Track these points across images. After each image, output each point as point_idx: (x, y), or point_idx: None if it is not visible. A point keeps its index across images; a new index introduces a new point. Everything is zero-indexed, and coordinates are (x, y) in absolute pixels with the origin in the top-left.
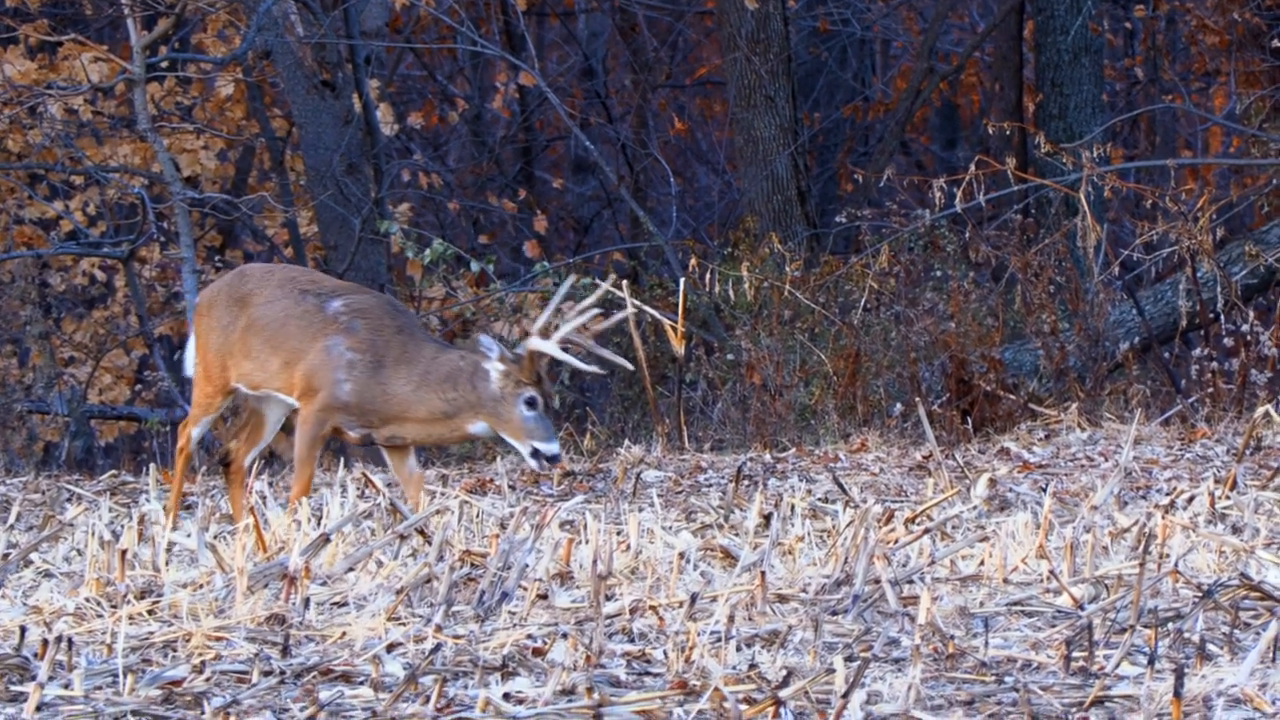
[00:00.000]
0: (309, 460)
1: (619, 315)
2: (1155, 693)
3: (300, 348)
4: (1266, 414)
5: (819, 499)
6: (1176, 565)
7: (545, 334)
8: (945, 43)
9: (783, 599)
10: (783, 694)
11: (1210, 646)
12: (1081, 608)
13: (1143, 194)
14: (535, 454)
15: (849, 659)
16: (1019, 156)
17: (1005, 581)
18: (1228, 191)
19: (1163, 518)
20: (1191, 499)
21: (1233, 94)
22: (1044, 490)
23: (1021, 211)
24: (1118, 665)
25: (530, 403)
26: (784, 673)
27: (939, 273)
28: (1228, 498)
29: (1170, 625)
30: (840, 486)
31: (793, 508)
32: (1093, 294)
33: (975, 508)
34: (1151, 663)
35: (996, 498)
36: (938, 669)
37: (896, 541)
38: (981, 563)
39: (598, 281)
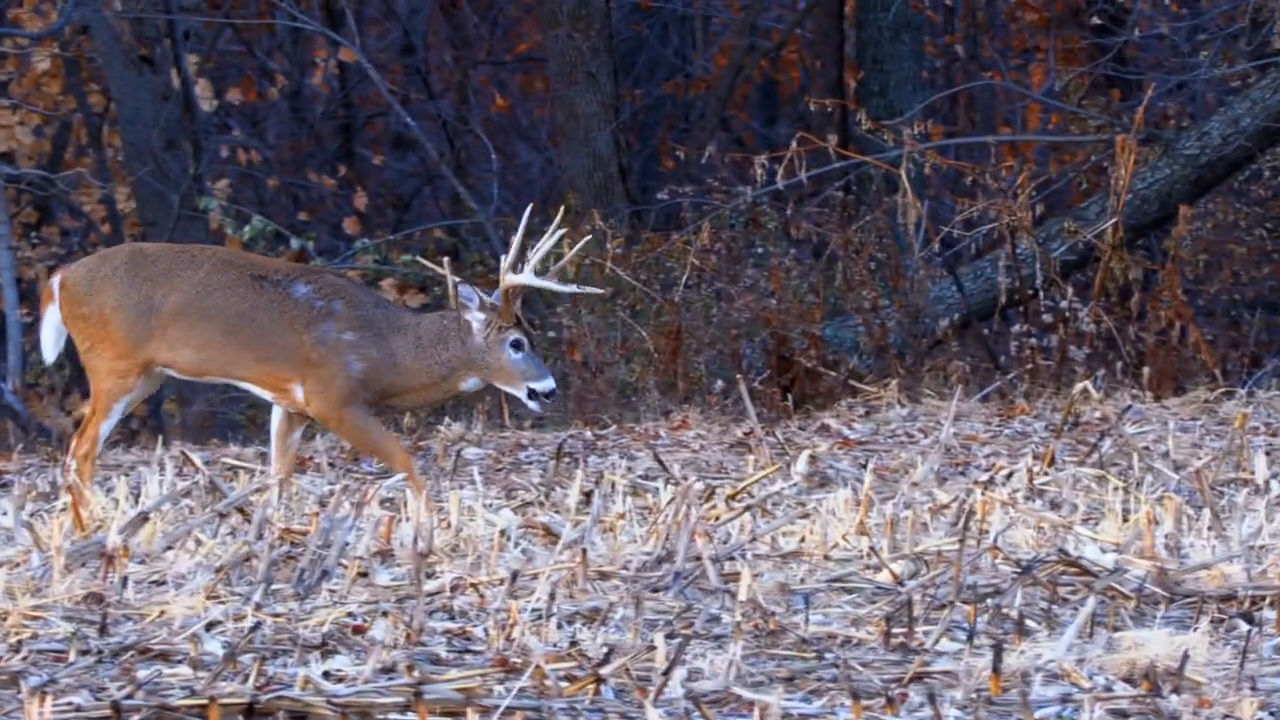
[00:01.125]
0: (386, 443)
1: (581, 242)
2: (974, 668)
3: (286, 343)
4: (1085, 390)
5: (640, 476)
6: (996, 541)
7: (516, 269)
8: (766, 19)
9: (604, 576)
10: (603, 671)
11: (1029, 622)
12: (902, 584)
13: (963, 171)
14: (532, 394)
15: (670, 636)
16: (840, 133)
17: (826, 558)
18: (1047, 168)
19: (982, 494)
20: (1011, 475)
21: (1052, 71)
22: (864, 467)
23: (843, 188)
24: (937, 641)
25: (516, 345)
26: (605, 650)
27: (760, 249)
28: (1046, 474)
29: (989, 601)
30: (661, 464)
31: (614, 485)
32: (913, 270)
33: (796, 484)
34: (971, 638)
35: (817, 474)
36: (759, 646)
37: (718, 518)
38: (802, 539)
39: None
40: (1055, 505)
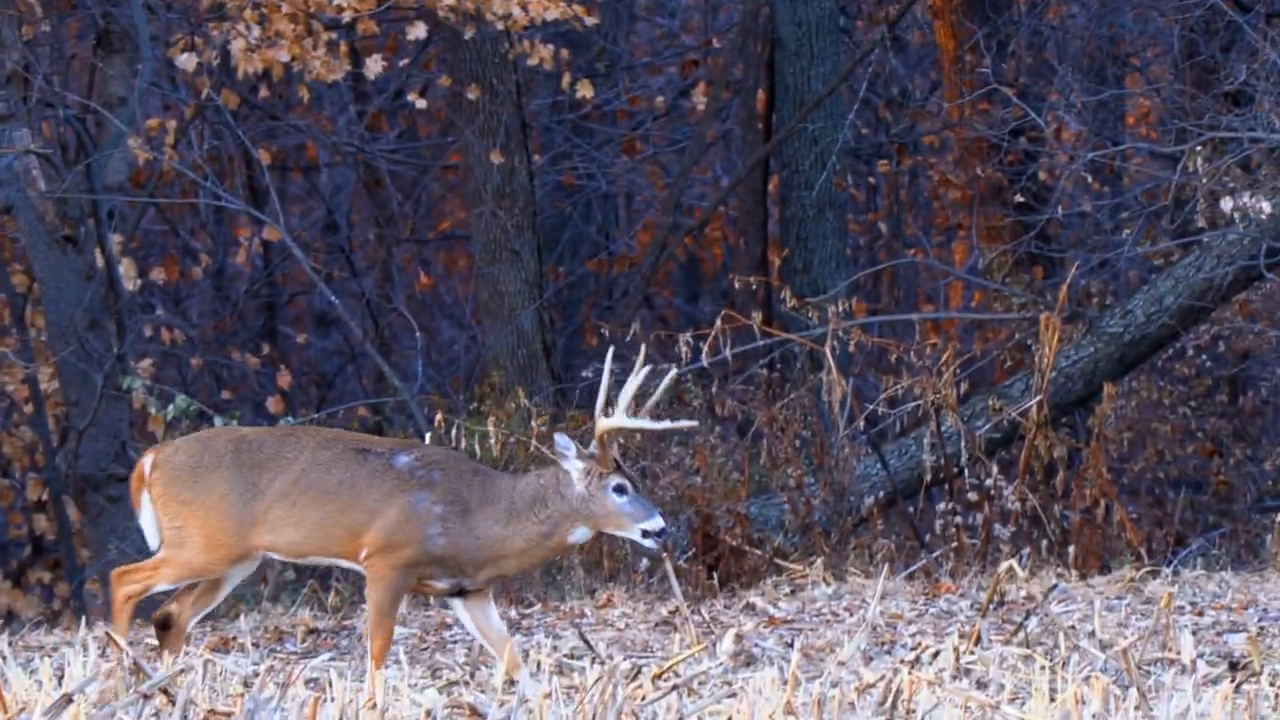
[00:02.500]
0: (390, 620)
1: (668, 378)
2: None
3: (375, 508)
4: (1010, 568)
5: (565, 655)
6: None
7: (607, 412)
8: (689, 196)
9: None
10: None
11: None
12: None
13: (887, 348)
14: (645, 534)
15: None
16: (764, 311)
17: None
18: (970, 345)
19: (909, 673)
20: (937, 654)
21: (975, 248)
22: (790, 645)
23: (767, 366)
24: None
25: (619, 489)
26: None
27: None
28: (972, 653)
29: None
30: (586, 642)
31: (539, 664)
32: (838, 448)
33: (722, 664)
34: None
35: (743, 653)
36: None
37: (644, 698)
38: (729, 719)
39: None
40: (982, 684)
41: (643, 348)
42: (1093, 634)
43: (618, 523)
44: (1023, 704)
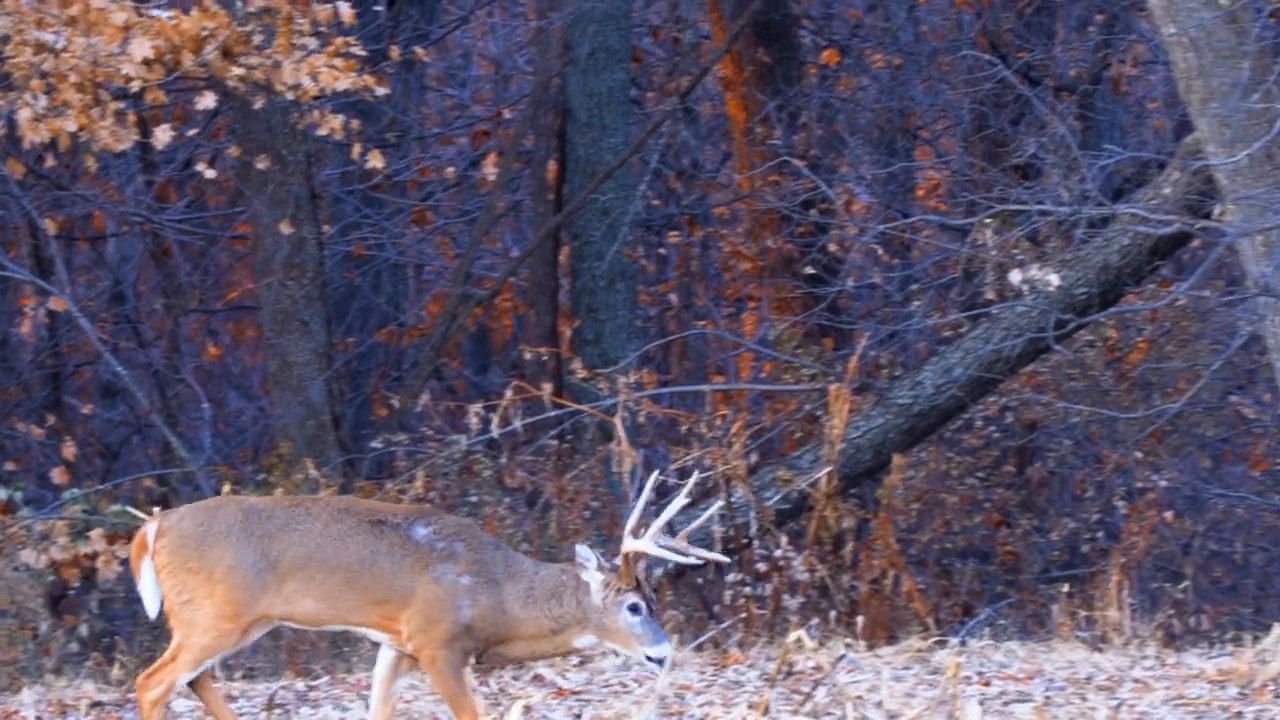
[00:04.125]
0: (464, 692)
1: (708, 511)
2: None
3: (403, 585)
4: (798, 639)
5: None
6: None
7: (637, 534)
8: (479, 267)
9: None
10: None
11: None
12: None
13: (677, 419)
14: (649, 659)
15: None
16: (555, 382)
17: None
18: (760, 417)
19: None
20: None
21: (765, 320)
22: (579, 717)
23: (557, 437)
24: None
25: (634, 609)
26: None
27: (474, 498)
28: None
29: None
30: None
31: None
32: (628, 519)
33: None
34: None
35: None
36: None
37: None
38: None
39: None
40: None
41: (694, 476)
42: (880, 704)
43: (625, 641)
44: None
